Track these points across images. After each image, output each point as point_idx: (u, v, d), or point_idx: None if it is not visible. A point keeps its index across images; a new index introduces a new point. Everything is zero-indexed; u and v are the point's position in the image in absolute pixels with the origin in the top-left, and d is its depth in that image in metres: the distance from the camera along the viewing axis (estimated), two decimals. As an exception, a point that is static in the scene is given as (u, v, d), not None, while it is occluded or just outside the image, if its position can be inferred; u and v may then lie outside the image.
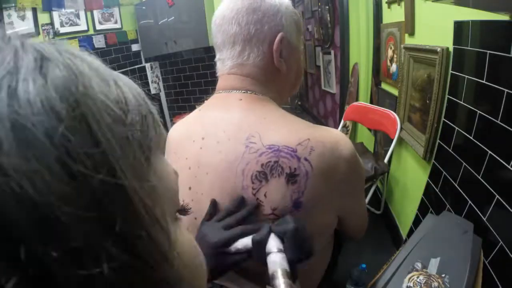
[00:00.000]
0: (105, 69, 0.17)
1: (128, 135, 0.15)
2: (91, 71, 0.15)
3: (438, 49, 1.05)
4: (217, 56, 0.59)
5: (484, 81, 0.84)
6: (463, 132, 0.98)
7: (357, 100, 2.19)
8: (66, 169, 0.12)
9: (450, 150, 1.06)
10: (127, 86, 0.17)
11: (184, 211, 0.24)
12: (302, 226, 0.44)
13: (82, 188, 0.12)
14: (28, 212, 0.11)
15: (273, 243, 0.42)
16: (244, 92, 0.55)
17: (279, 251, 0.42)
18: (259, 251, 0.42)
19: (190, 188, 0.54)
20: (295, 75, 0.61)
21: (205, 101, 0.60)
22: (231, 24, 0.54)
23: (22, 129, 0.12)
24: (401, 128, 1.51)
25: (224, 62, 0.56)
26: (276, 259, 0.41)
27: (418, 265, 0.75)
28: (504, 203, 0.77)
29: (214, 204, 0.50)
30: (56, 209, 0.12)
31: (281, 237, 0.43)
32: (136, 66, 3.54)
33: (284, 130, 0.50)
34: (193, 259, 0.22)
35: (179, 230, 0.21)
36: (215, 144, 0.51)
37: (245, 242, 0.44)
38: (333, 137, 0.51)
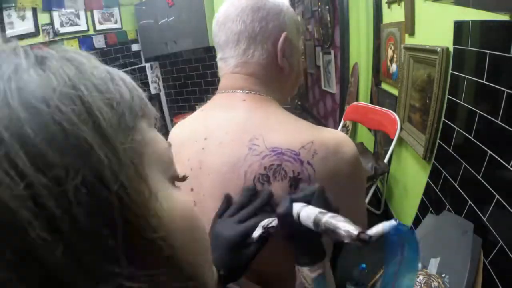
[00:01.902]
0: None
1: (115, 102, 0.19)
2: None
3: (438, 49, 1.05)
4: (219, 56, 0.58)
5: (484, 81, 0.84)
6: (463, 132, 0.97)
7: (357, 100, 2.19)
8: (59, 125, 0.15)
9: (450, 150, 1.06)
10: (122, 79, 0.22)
11: (181, 178, 0.25)
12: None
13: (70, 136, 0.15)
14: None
15: (299, 206, 0.39)
16: (247, 93, 0.54)
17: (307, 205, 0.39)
18: (285, 222, 0.40)
19: (192, 190, 0.53)
20: (296, 75, 0.62)
21: (208, 101, 0.60)
22: (235, 22, 0.53)
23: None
24: (401, 128, 1.51)
25: (227, 61, 0.56)
26: (311, 210, 0.38)
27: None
28: (504, 203, 0.77)
29: (227, 199, 0.49)
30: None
31: (307, 202, 0.40)
32: (136, 66, 3.54)
33: (288, 132, 0.49)
34: (189, 229, 0.23)
35: (172, 195, 0.22)
36: (218, 145, 0.51)
37: (259, 230, 0.42)
38: (336, 139, 0.50)
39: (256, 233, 0.42)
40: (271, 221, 0.42)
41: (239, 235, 0.42)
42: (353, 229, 0.32)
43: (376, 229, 0.30)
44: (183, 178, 0.26)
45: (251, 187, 0.47)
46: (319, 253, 0.43)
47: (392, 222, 0.29)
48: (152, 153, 0.21)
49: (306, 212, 0.38)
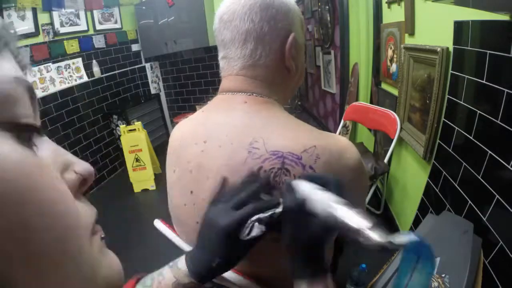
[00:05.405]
0: None
1: None
2: None
3: (438, 49, 1.05)
4: (222, 54, 0.55)
5: (484, 81, 0.84)
6: (463, 132, 0.97)
7: (357, 100, 2.19)
8: None
9: (450, 150, 1.06)
10: None
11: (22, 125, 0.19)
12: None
13: None
14: None
15: (310, 188, 0.34)
16: (249, 95, 0.53)
17: (323, 190, 0.34)
18: (291, 207, 0.36)
19: (191, 192, 0.53)
20: (299, 75, 0.60)
21: (208, 102, 0.59)
22: (243, 20, 0.51)
23: None
24: (401, 128, 1.51)
25: (232, 62, 0.54)
26: (327, 196, 0.33)
27: (418, 265, 0.74)
28: (504, 203, 0.77)
29: (223, 183, 0.46)
30: None
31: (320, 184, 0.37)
32: (136, 66, 3.54)
33: (290, 136, 0.48)
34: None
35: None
36: (217, 148, 0.50)
37: (256, 229, 0.38)
38: (339, 145, 0.49)
39: (255, 231, 0.38)
40: (271, 213, 0.38)
41: (235, 223, 0.39)
42: (377, 237, 0.29)
43: (399, 240, 0.29)
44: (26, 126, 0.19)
45: (250, 172, 0.45)
46: (320, 266, 0.39)
47: (415, 238, 0.29)
48: None
49: (320, 196, 0.33)
